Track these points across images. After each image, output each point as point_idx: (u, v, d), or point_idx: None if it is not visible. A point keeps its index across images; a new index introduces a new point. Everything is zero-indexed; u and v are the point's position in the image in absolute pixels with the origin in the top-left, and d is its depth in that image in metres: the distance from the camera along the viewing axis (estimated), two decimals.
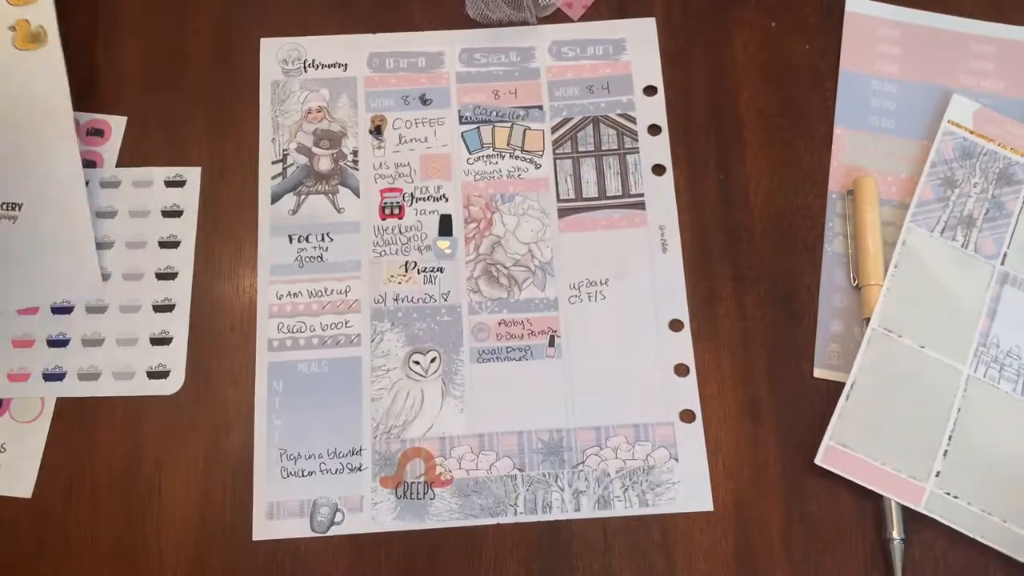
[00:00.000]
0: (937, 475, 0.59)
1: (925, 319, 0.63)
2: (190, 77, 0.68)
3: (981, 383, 0.62)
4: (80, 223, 0.62)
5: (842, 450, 0.60)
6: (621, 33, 0.69)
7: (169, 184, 0.65)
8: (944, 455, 0.60)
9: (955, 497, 0.59)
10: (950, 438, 0.60)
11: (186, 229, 0.64)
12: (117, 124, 0.66)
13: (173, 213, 0.65)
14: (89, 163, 0.65)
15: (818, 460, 0.59)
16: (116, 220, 0.64)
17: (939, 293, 0.63)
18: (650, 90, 0.68)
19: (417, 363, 0.62)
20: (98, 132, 0.66)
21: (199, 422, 0.61)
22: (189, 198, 0.65)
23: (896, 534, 0.58)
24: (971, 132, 0.67)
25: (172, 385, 0.61)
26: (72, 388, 0.61)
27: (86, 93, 0.66)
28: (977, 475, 0.60)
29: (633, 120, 0.67)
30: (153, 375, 0.61)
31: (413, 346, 0.62)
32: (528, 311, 0.63)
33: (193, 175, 0.65)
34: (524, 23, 0.69)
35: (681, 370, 0.62)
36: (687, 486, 0.60)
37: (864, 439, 0.60)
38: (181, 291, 0.63)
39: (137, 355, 0.61)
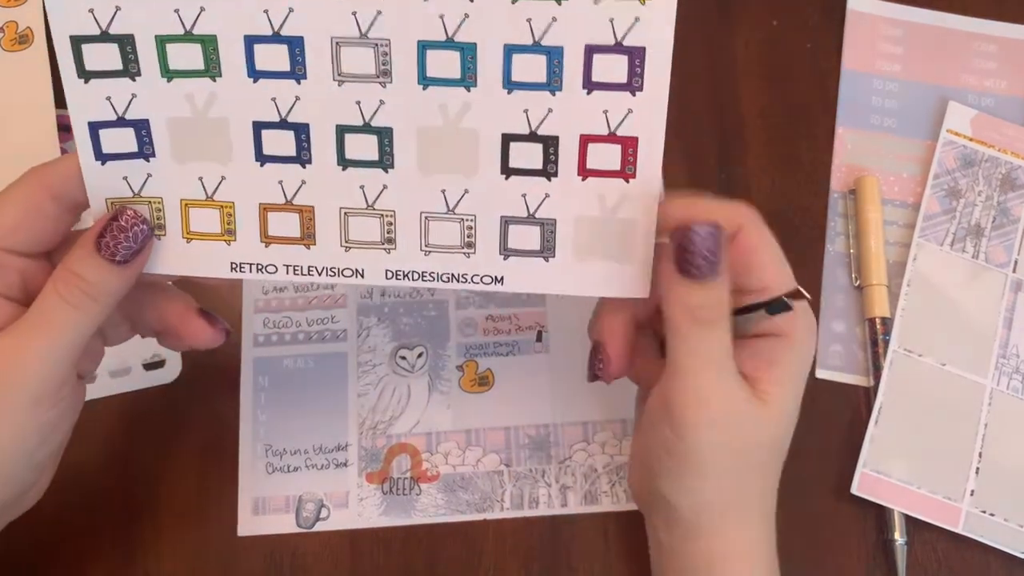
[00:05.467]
0: (972, 494, 0.58)
1: (944, 336, 0.62)
2: None
3: (1004, 395, 0.61)
4: None
5: (877, 477, 0.59)
6: None
7: None
8: (976, 473, 0.59)
9: (991, 515, 0.58)
10: (980, 455, 0.59)
11: None
12: None
13: None
14: None
15: (854, 489, 0.58)
16: None
17: (954, 308, 0.62)
18: None
19: (404, 358, 0.61)
20: None
21: (197, 420, 0.61)
22: None
23: (898, 536, 0.57)
24: (971, 139, 0.66)
25: (169, 374, 0.61)
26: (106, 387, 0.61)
27: None
28: (1011, 490, 0.59)
29: None
30: (149, 366, 0.61)
31: (399, 341, 0.62)
32: (515, 306, 0.63)
33: None
34: None
35: None
36: None
37: (897, 464, 0.59)
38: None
39: (131, 348, 0.61)
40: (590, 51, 0.42)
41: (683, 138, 0.67)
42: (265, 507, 0.59)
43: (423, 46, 0.43)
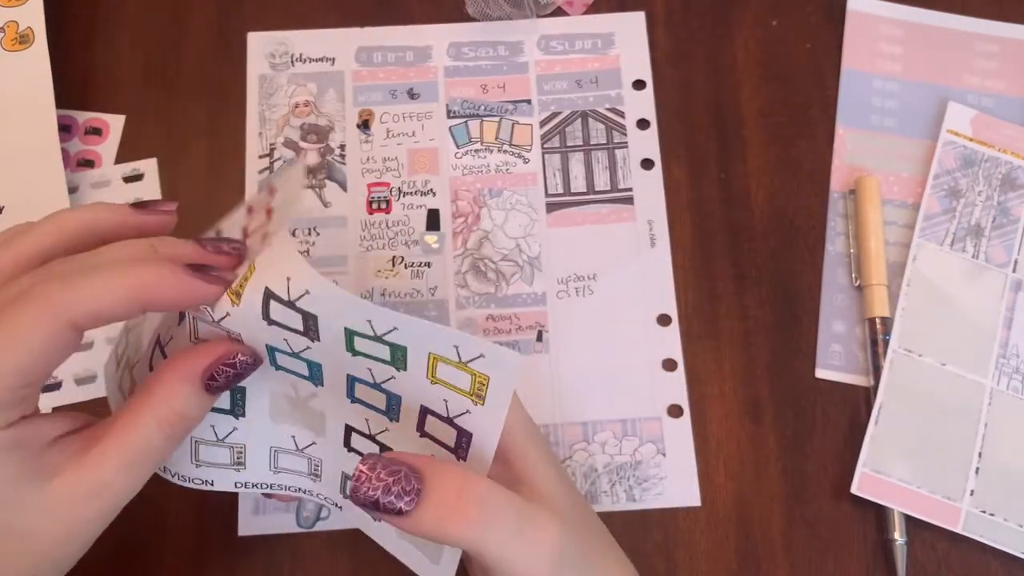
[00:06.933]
0: (971, 494, 0.58)
1: (944, 336, 0.62)
2: (188, 74, 0.68)
3: (1004, 395, 0.60)
4: None
5: (876, 476, 0.58)
6: (610, 27, 0.69)
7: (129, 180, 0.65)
8: (976, 473, 0.59)
9: (991, 515, 0.58)
10: (980, 455, 0.59)
11: None
12: (116, 123, 0.66)
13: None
14: (87, 162, 0.65)
15: (854, 489, 0.58)
16: None
17: (955, 308, 0.62)
18: (639, 84, 0.68)
19: None
20: (96, 131, 0.66)
21: None
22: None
23: (898, 536, 0.57)
24: (971, 140, 0.66)
25: None
26: (71, 395, 0.61)
27: (84, 92, 0.67)
28: (1010, 490, 0.59)
29: (622, 114, 0.67)
30: None
31: None
32: (516, 306, 0.63)
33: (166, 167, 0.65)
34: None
35: (669, 365, 0.61)
36: (674, 481, 0.59)
37: (897, 464, 0.59)
38: None
39: None
40: (425, 411, 0.43)
41: (683, 138, 0.67)
42: (265, 507, 0.58)
43: (272, 350, 0.43)
